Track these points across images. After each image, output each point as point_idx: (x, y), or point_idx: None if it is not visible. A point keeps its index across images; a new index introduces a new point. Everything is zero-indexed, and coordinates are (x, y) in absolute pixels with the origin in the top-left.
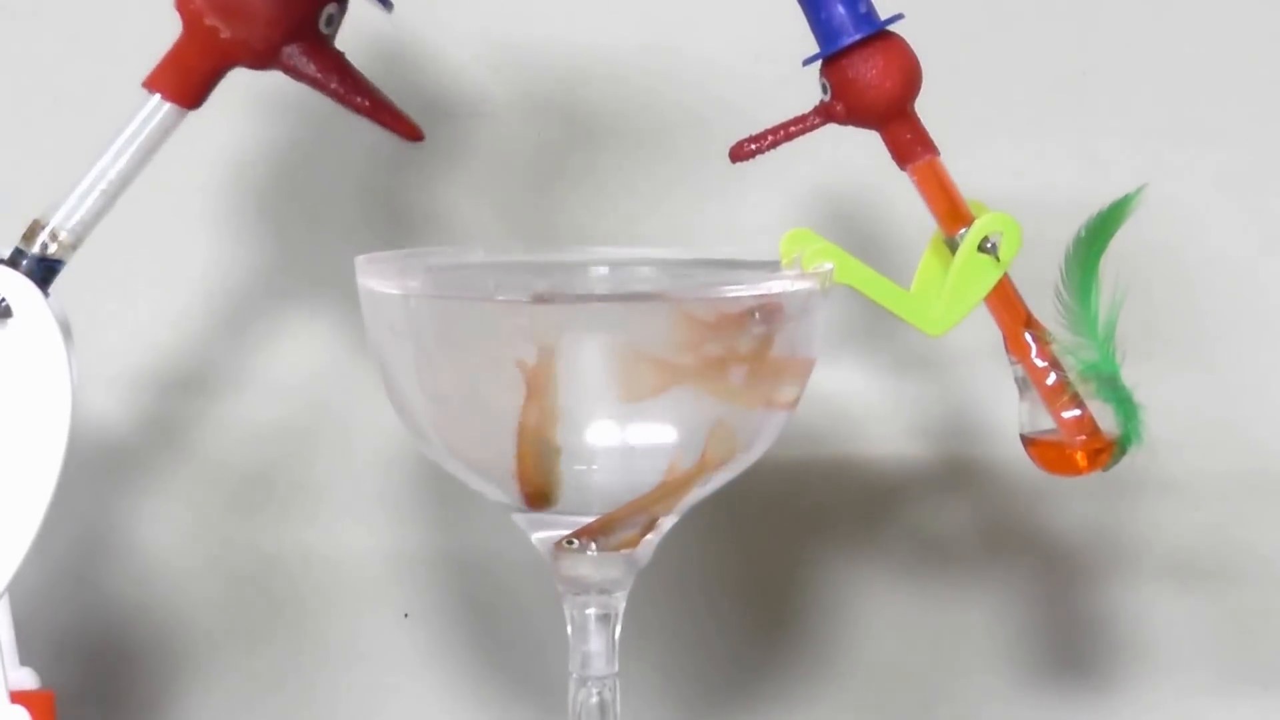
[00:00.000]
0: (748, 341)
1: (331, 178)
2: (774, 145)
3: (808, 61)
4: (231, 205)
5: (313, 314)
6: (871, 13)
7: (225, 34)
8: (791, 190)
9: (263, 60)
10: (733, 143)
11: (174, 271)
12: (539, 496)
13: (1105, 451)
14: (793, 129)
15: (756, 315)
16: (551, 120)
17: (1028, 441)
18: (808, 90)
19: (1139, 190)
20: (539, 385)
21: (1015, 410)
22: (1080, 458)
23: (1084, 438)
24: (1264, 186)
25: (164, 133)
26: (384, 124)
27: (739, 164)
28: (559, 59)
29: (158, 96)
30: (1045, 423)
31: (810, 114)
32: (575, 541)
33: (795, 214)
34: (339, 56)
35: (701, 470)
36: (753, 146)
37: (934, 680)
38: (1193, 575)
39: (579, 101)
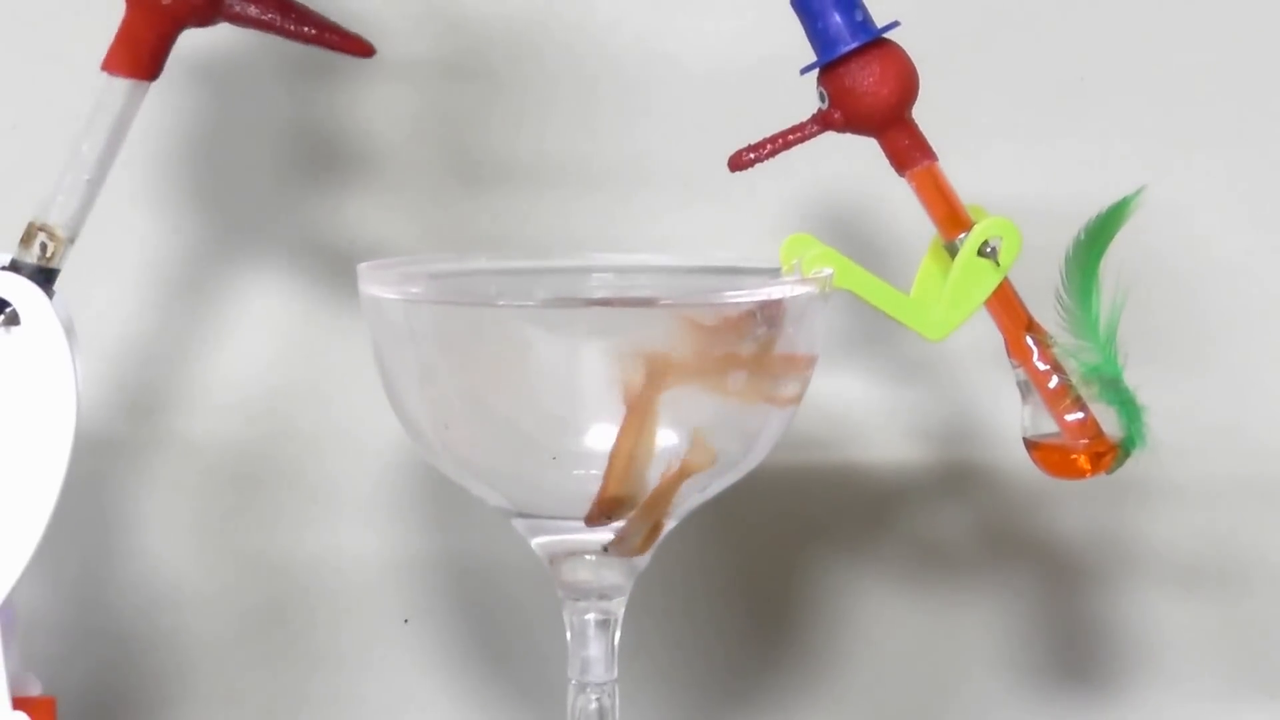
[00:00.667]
0: (750, 345)
1: (333, 186)
2: (773, 154)
3: (805, 70)
4: (230, 211)
5: (314, 319)
6: (868, 21)
7: (166, 0)
8: (790, 196)
9: (207, 15)
10: (732, 148)
11: (172, 277)
12: (616, 504)
13: (1109, 454)
14: (791, 137)
15: (759, 317)
16: (546, 125)
17: (1031, 445)
18: (806, 96)
19: (1138, 192)
20: (645, 405)
21: (1016, 414)
22: (1084, 461)
23: (1087, 441)
24: (1264, 190)
25: (131, 110)
26: (334, 47)
27: (737, 171)
28: (556, 65)
29: (118, 77)
30: (1048, 426)
31: (808, 122)
32: (609, 549)
33: (793, 220)
34: None
35: (681, 475)
36: (751, 156)
37: (935, 686)
38: (1196, 580)
39: (574, 105)
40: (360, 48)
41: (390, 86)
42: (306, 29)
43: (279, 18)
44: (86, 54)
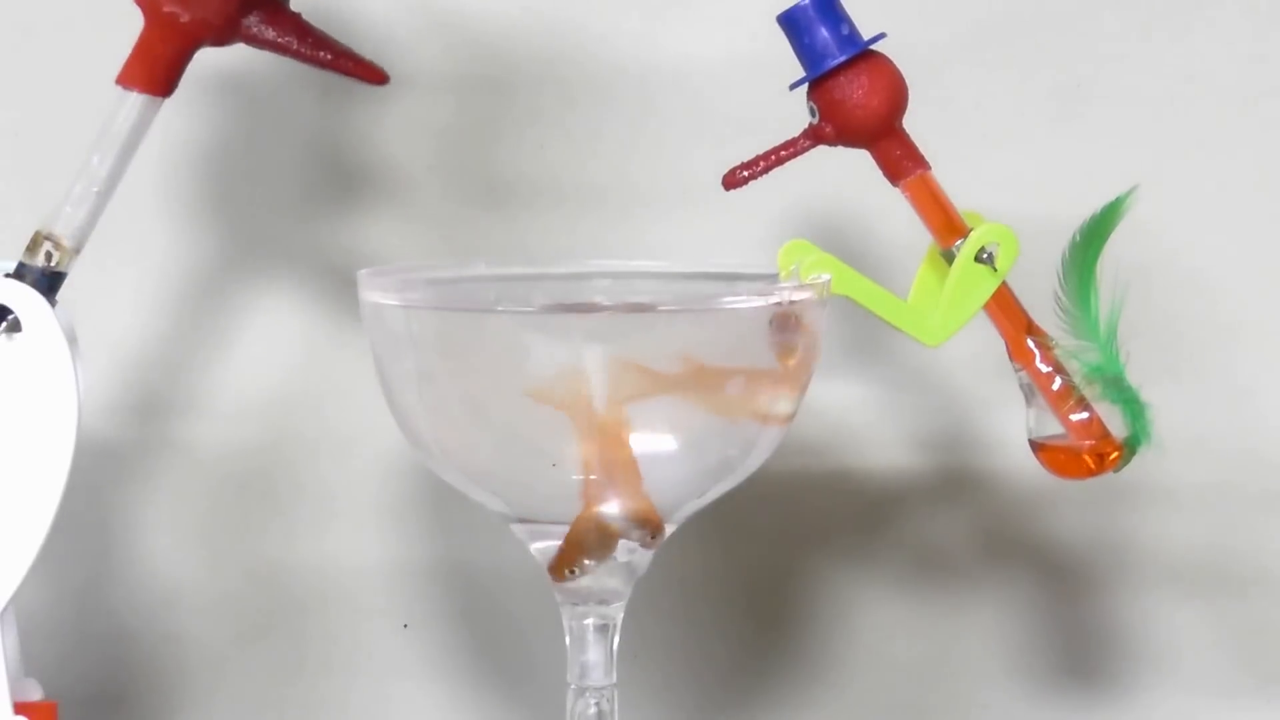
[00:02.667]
0: (790, 341)
1: (335, 191)
2: (766, 171)
3: (794, 86)
4: (233, 217)
5: (314, 325)
6: (854, 34)
7: (185, 18)
8: (787, 203)
9: (224, 35)
10: (730, 155)
11: (174, 284)
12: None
13: (1115, 453)
14: (783, 153)
15: (794, 320)
16: (548, 135)
17: (1037, 446)
18: (802, 103)
19: (1131, 191)
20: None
21: (1013, 419)
22: (1090, 460)
23: (1093, 441)
24: (1261, 196)
25: (144, 125)
26: (348, 73)
27: (732, 189)
28: (558, 74)
29: (133, 91)
30: (1053, 428)
31: (800, 137)
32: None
33: (791, 226)
34: (296, 17)
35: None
36: (745, 174)
37: (933, 690)
38: (1193, 583)
39: (577, 116)
40: (374, 75)
41: (399, 100)
42: (322, 54)
43: (296, 41)
44: (98, 62)
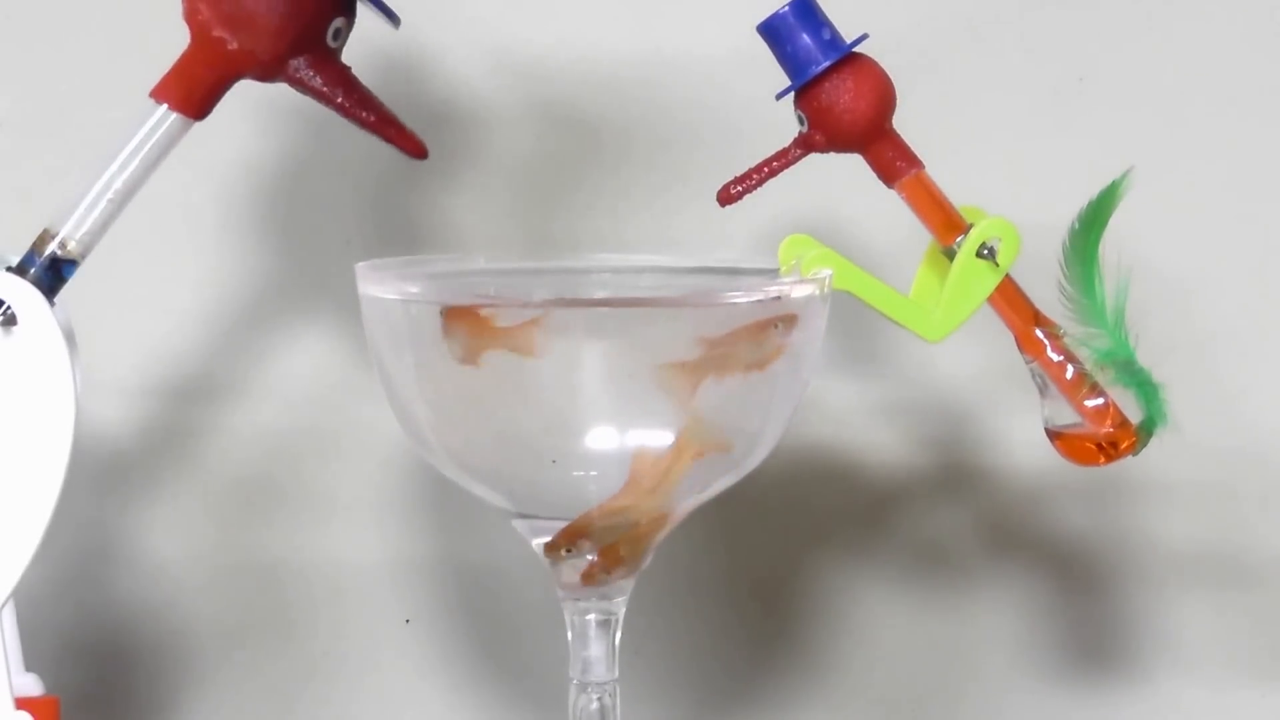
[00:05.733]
0: (765, 350)
1: (333, 184)
2: (759, 184)
3: (780, 95)
4: (235, 214)
5: (314, 322)
6: (836, 38)
7: (233, 45)
8: (788, 199)
9: (269, 72)
10: (728, 145)
11: (176, 279)
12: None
13: (1132, 436)
14: (775, 165)
15: (779, 327)
16: (550, 130)
17: (1054, 435)
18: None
19: (1126, 174)
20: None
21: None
22: (1108, 446)
23: (1110, 428)
24: (1262, 194)
25: (170, 142)
26: (389, 139)
27: (726, 205)
28: (559, 69)
29: (164, 106)
30: (1069, 417)
31: (791, 146)
32: (568, 549)
33: (792, 222)
34: (345, 70)
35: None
36: (739, 189)
37: (935, 686)
38: (1195, 576)
39: (579, 112)
40: (414, 148)
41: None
42: (365, 114)
43: (341, 95)
44: (108, 63)
